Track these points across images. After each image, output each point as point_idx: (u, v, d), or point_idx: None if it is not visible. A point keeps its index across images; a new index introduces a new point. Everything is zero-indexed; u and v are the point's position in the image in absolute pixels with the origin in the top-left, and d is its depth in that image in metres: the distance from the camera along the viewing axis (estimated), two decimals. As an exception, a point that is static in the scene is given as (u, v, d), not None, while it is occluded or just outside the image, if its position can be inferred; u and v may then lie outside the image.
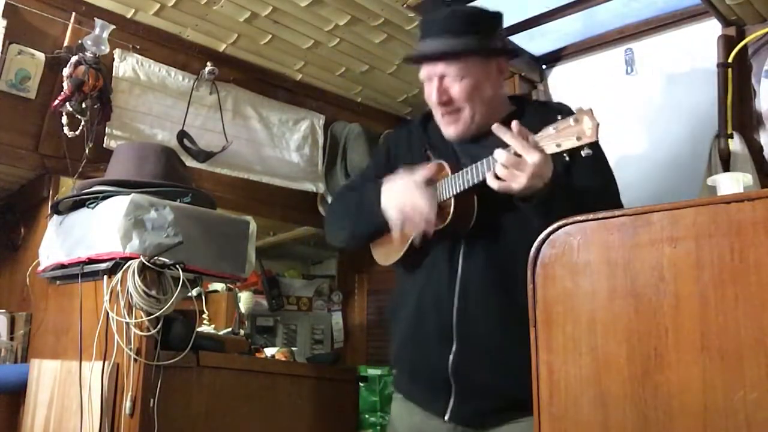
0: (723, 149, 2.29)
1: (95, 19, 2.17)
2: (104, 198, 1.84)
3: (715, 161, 2.30)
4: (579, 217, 1.11)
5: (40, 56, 2.13)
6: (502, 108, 1.64)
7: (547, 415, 1.09)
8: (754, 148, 2.30)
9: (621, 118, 2.76)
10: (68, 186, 2.19)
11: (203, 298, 2.34)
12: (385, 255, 1.70)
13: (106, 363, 1.70)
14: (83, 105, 2.13)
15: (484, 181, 1.42)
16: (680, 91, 2.59)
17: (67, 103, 2.10)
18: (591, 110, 1.25)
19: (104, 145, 2.25)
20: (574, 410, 1.06)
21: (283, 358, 2.33)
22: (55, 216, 2.02)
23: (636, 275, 1.03)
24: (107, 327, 1.72)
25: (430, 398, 1.59)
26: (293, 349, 2.60)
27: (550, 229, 1.13)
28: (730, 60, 2.35)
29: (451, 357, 1.52)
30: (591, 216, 1.10)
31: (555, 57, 2.96)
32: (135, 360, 1.67)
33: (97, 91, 2.15)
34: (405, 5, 2.42)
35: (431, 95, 1.59)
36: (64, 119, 2.13)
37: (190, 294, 1.86)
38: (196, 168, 2.48)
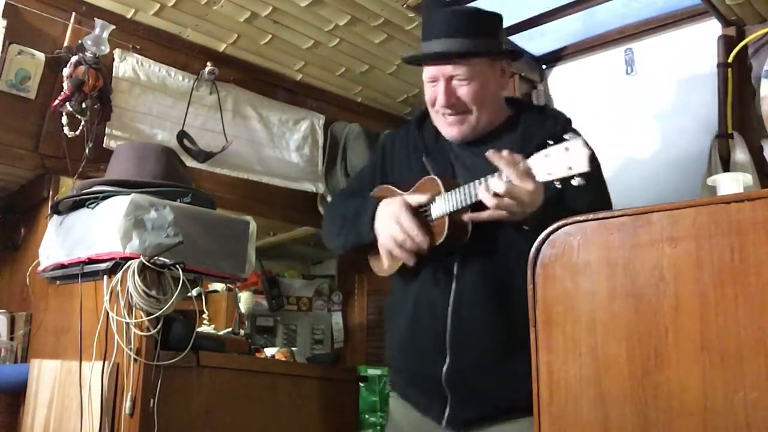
0: (723, 149, 2.29)
1: (95, 19, 2.17)
2: (104, 198, 1.84)
3: (715, 161, 2.30)
4: (579, 217, 1.11)
5: (40, 56, 2.13)
6: (501, 111, 1.64)
7: (547, 415, 1.09)
8: (754, 148, 2.30)
9: (621, 118, 2.76)
10: (68, 186, 2.19)
11: (203, 298, 2.34)
12: (382, 268, 1.70)
13: (106, 363, 1.70)
14: (83, 105, 2.13)
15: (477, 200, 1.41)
16: (680, 91, 2.59)
17: (67, 103, 2.10)
18: (583, 139, 1.24)
19: (104, 145, 2.25)
20: (574, 410, 1.06)
21: (283, 358, 2.33)
22: (55, 216, 2.02)
23: (636, 275, 1.03)
24: (107, 327, 1.72)
25: (426, 404, 1.61)
26: (293, 349, 2.60)
27: (550, 229, 1.13)
28: (730, 60, 2.35)
29: (444, 368, 1.53)
30: (591, 216, 1.10)
31: (555, 57, 2.96)
32: (135, 360, 1.67)
33: (97, 91, 2.15)
34: (405, 5, 2.42)
35: (437, 97, 1.57)
36: (64, 119, 2.13)
37: (190, 294, 1.86)
38: (196, 168, 2.48)
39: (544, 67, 3.01)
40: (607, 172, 2.85)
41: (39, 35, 2.14)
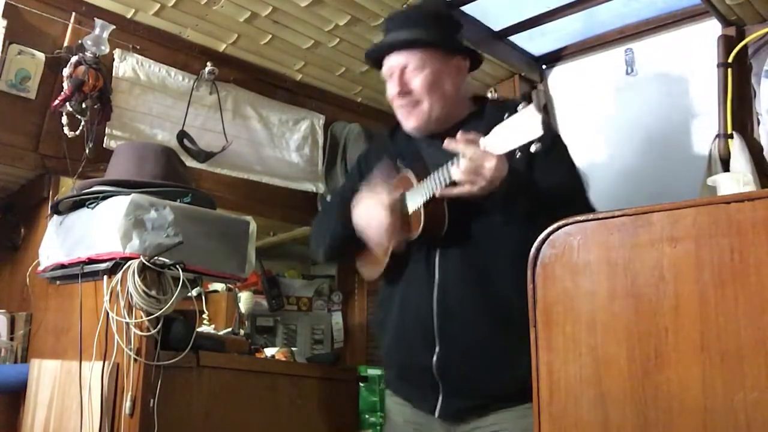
0: (723, 149, 2.30)
1: (95, 19, 2.17)
2: (104, 198, 1.84)
3: (715, 161, 2.30)
4: (579, 217, 1.11)
5: (40, 56, 2.12)
6: (463, 107, 1.68)
7: (547, 415, 1.09)
8: (754, 148, 2.30)
9: (621, 118, 2.76)
10: (68, 186, 2.19)
11: (203, 298, 2.34)
12: (370, 271, 1.76)
13: (106, 363, 1.69)
14: (83, 105, 2.13)
15: (446, 186, 1.45)
16: (680, 91, 2.59)
17: (67, 103, 2.10)
18: (534, 104, 1.27)
19: (104, 145, 2.24)
20: (574, 410, 1.06)
21: (283, 358, 2.33)
22: (55, 216, 2.02)
23: (636, 275, 1.03)
24: (107, 327, 1.71)
25: (419, 397, 1.63)
26: (293, 349, 2.59)
27: (550, 229, 1.13)
28: (730, 60, 2.35)
29: (435, 358, 1.55)
30: (591, 216, 1.11)
31: (555, 57, 2.97)
32: (135, 360, 1.66)
33: (97, 91, 2.15)
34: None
35: (391, 88, 1.63)
36: (64, 119, 2.13)
37: (190, 294, 1.85)
38: (196, 168, 2.48)
39: (544, 67, 3.02)
40: (607, 172, 2.87)
41: (39, 35, 2.14)
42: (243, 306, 2.92)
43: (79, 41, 2.17)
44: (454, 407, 1.56)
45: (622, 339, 1.03)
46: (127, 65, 2.34)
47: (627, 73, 2.75)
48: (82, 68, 2.10)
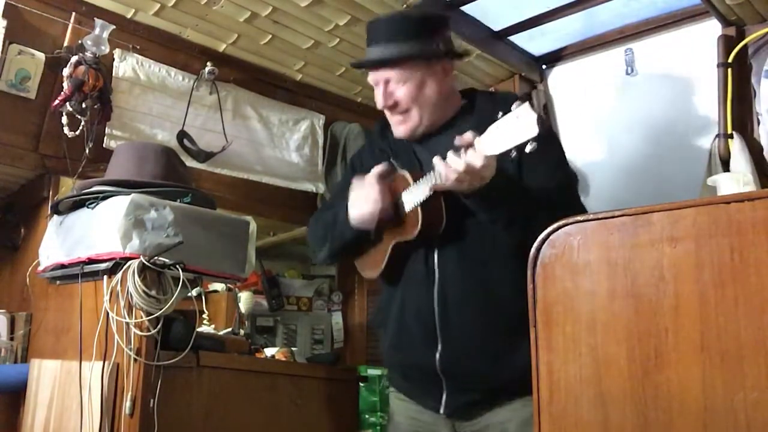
0: (723, 149, 2.30)
1: (95, 19, 2.17)
2: (104, 198, 1.84)
3: (715, 161, 2.30)
4: (579, 217, 1.11)
5: (40, 56, 2.12)
6: (453, 104, 1.69)
7: (547, 415, 1.09)
8: (754, 148, 2.30)
9: (621, 118, 2.76)
10: (68, 186, 2.19)
11: (203, 298, 2.34)
12: (370, 269, 1.76)
13: (106, 363, 1.69)
14: (83, 105, 2.13)
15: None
16: (680, 91, 2.59)
17: (67, 103, 2.10)
18: (529, 103, 1.26)
19: (104, 145, 2.24)
20: (574, 410, 1.06)
21: (283, 358, 2.33)
22: (55, 216, 2.02)
23: (636, 275, 1.03)
24: (107, 327, 1.71)
25: (424, 395, 1.65)
26: (293, 349, 2.59)
27: (550, 229, 1.13)
28: (730, 60, 2.35)
29: (437, 356, 1.57)
30: (591, 216, 1.11)
31: (555, 57, 2.97)
32: (135, 360, 1.66)
33: (97, 91, 2.15)
34: (405, 5, 2.42)
35: (378, 101, 1.65)
36: (64, 119, 2.13)
37: (190, 294, 1.86)
38: (196, 168, 2.48)
39: (544, 67, 3.01)
40: (607, 172, 2.87)
41: (39, 35, 2.14)
42: (243, 306, 2.92)
43: (79, 41, 2.17)
44: (458, 403, 1.58)
45: (622, 339, 1.03)
46: (127, 65, 2.34)
47: (627, 73, 2.75)
48: (82, 68, 2.10)
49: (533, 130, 1.23)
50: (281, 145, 2.79)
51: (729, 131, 2.31)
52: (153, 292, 1.69)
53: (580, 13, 2.59)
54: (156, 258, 1.73)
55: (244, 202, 2.69)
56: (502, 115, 1.29)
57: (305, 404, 2.06)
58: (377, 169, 1.61)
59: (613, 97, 2.78)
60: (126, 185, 1.87)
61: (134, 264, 1.69)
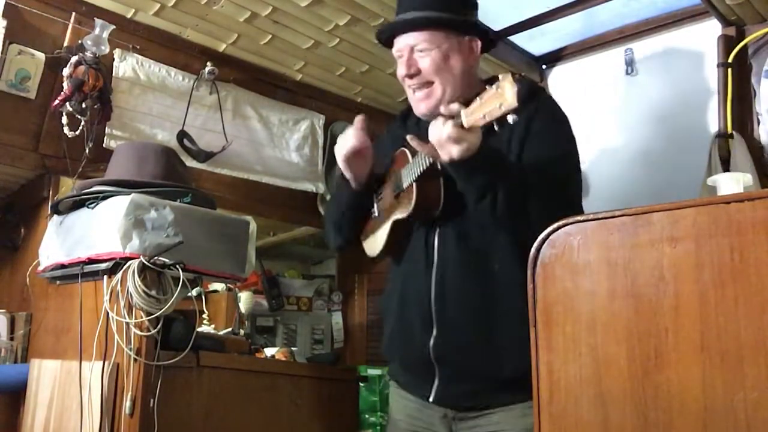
0: (723, 149, 2.29)
1: (95, 19, 2.17)
2: (104, 198, 1.84)
3: (715, 161, 2.30)
4: (579, 217, 1.11)
5: (40, 56, 2.12)
6: (476, 89, 1.66)
7: (547, 415, 1.09)
8: (754, 148, 2.30)
9: (621, 118, 2.76)
10: (68, 186, 2.19)
11: (203, 298, 2.34)
12: (372, 246, 1.76)
13: (106, 363, 1.69)
14: (83, 105, 2.13)
15: (433, 163, 1.45)
16: (680, 91, 2.59)
17: (67, 103, 2.10)
18: (512, 75, 1.24)
19: (104, 145, 2.25)
20: (574, 410, 1.06)
21: (283, 358, 2.33)
22: (55, 216, 2.02)
23: (636, 275, 1.03)
24: (107, 327, 1.71)
25: (416, 382, 1.64)
26: (293, 349, 2.59)
27: (550, 229, 1.13)
28: (730, 60, 2.35)
29: (432, 342, 1.56)
30: (591, 216, 1.10)
31: (555, 57, 2.97)
32: (135, 360, 1.66)
33: (97, 91, 2.15)
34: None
35: (400, 69, 1.62)
36: (64, 119, 2.13)
37: (190, 294, 1.85)
38: (196, 168, 2.48)
39: (544, 67, 3.01)
40: (607, 172, 2.86)
41: (39, 35, 2.14)
42: (243, 306, 2.92)
43: (79, 41, 2.17)
44: (449, 393, 1.57)
45: (622, 339, 1.03)
46: (127, 65, 2.34)
47: (627, 73, 2.74)
48: (82, 68, 2.10)
49: (512, 103, 1.21)
50: (281, 145, 2.79)
51: (729, 131, 2.31)
52: (153, 292, 1.69)
53: (580, 13, 2.59)
54: (156, 258, 1.73)
55: (244, 202, 2.69)
56: (488, 88, 1.28)
57: (305, 404, 2.06)
58: (357, 120, 1.63)
59: (613, 97, 2.78)
60: (126, 185, 1.87)
61: (134, 264, 1.69)
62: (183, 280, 1.73)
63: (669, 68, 2.63)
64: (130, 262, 1.70)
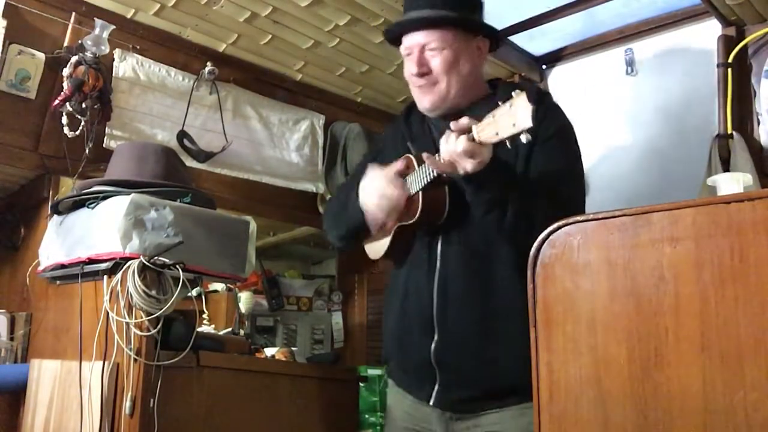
0: (723, 149, 2.29)
1: (95, 19, 2.17)
2: (104, 198, 1.84)
3: (715, 161, 2.30)
4: (579, 217, 1.11)
5: (40, 56, 2.12)
6: (480, 90, 1.67)
7: (547, 415, 1.09)
8: (754, 148, 2.30)
9: (621, 118, 2.76)
10: (68, 186, 2.19)
11: (203, 298, 2.34)
12: (374, 249, 1.75)
13: (106, 363, 1.69)
14: (83, 105, 2.13)
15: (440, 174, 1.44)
16: (680, 91, 2.59)
17: (67, 103, 2.10)
18: (526, 94, 1.21)
19: (104, 145, 2.25)
20: (574, 410, 1.06)
21: (283, 358, 2.33)
22: (55, 216, 2.02)
23: (636, 275, 1.03)
24: (107, 327, 1.71)
25: (417, 385, 1.64)
26: (293, 349, 2.60)
27: (550, 229, 1.13)
28: (730, 60, 2.35)
29: (433, 346, 1.56)
30: (591, 216, 1.10)
31: (555, 57, 2.96)
32: (135, 360, 1.66)
33: (97, 91, 2.15)
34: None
35: (410, 67, 1.61)
36: (64, 119, 2.13)
37: (190, 294, 1.85)
38: (196, 168, 2.48)
39: (544, 67, 3.01)
40: (606, 172, 2.86)
41: (39, 35, 2.14)
42: (243, 306, 2.92)
43: (79, 41, 2.17)
44: (449, 398, 1.57)
45: (622, 339, 1.03)
46: (127, 65, 2.34)
47: (627, 73, 2.74)
48: (82, 68, 2.10)
49: (527, 122, 1.20)
50: (281, 145, 2.79)
51: (729, 131, 2.31)
52: (153, 292, 1.69)
53: (580, 13, 2.59)
54: (156, 258, 1.73)
55: (244, 202, 2.69)
56: (502, 104, 1.26)
57: (305, 404, 2.06)
58: (397, 165, 1.58)
59: (613, 97, 2.78)
60: (126, 185, 1.87)
61: (134, 264, 1.69)
62: (183, 280, 1.73)
63: (669, 68, 2.63)
64: (130, 262, 1.70)
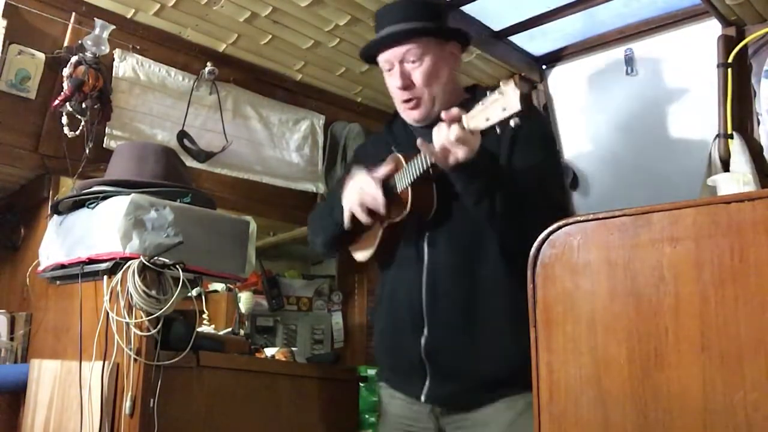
0: (723, 149, 2.30)
1: (95, 19, 2.17)
2: (104, 198, 1.84)
3: (715, 161, 2.30)
4: (579, 217, 1.11)
5: (40, 56, 2.12)
6: (457, 95, 1.70)
7: (547, 415, 1.09)
8: (754, 148, 2.30)
9: (621, 118, 2.76)
10: (68, 186, 2.19)
11: (203, 298, 2.34)
12: (362, 252, 1.77)
13: (106, 363, 1.69)
14: (83, 105, 2.13)
15: (433, 166, 1.46)
16: (680, 91, 2.59)
17: (67, 103, 2.10)
18: (515, 79, 1.25)
19: (104, 145, 2.25)
20: (574, 410, 1.06)
21: (283, 358, 2.33)
22: (55, 216, 2.02)
23: (636, 275, 1.03)
24: (107, 327, 1.71)
25: (407, 382, 1.66)
26: (293, 349, 2.59)
27: (550, 229, 1.13)
28: (730, 60, 2.35)
29: (423, 341, 1.58)
30: (591, 216, 1.10)
31: (555, 57, 2.96)
32: (135, 360, 1.66)
33: (97, 91, 2.15)
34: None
35: (394, 81, 1.65)
36: (64, 119, 2.13)
37: (190, 294, 1.85)
38: (196, 168, 2.48)
39: (544, 67, 3.01)
40: (607, 172, 2.86)
41: (39, 35, 2.14)
42: (243, 306, 2.92)
43: (79, 41, 2.17)
44: (439, 393, 1.58)
45: (622, 339, 1.03)
46: (127, 65, 2.34)
47: (627, 73, 2.74)
48: (82, 68, 2.11)
49: (516, 106, 1.22)
50: (281, 145, 2.79)
51: (729, 131, 2.31)
52: (153, 292, 1.69)
53: (580, 13, 2.59)
54: (156, 258, 1.73)
55: (244, 202, 2.69)
56: (490, 93, 1.29)
57: (305, 404, 2.06)
58: (386, 167, 1.61)
59: (613, 97, 2.78)
60: (126, 185, 1.87)
61: (134, 264, 1.69)
62: (183, 280, 1.73)
63: (669, 68, 2.63)
64: (130, 262, 1.70)
